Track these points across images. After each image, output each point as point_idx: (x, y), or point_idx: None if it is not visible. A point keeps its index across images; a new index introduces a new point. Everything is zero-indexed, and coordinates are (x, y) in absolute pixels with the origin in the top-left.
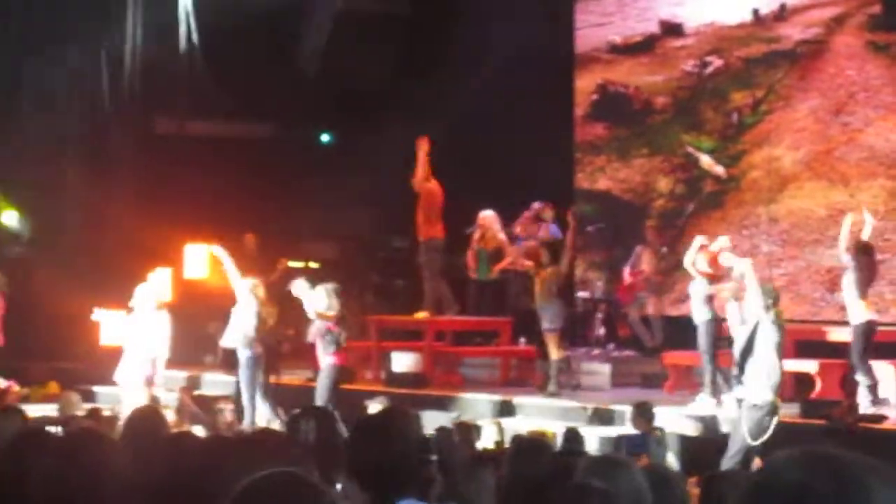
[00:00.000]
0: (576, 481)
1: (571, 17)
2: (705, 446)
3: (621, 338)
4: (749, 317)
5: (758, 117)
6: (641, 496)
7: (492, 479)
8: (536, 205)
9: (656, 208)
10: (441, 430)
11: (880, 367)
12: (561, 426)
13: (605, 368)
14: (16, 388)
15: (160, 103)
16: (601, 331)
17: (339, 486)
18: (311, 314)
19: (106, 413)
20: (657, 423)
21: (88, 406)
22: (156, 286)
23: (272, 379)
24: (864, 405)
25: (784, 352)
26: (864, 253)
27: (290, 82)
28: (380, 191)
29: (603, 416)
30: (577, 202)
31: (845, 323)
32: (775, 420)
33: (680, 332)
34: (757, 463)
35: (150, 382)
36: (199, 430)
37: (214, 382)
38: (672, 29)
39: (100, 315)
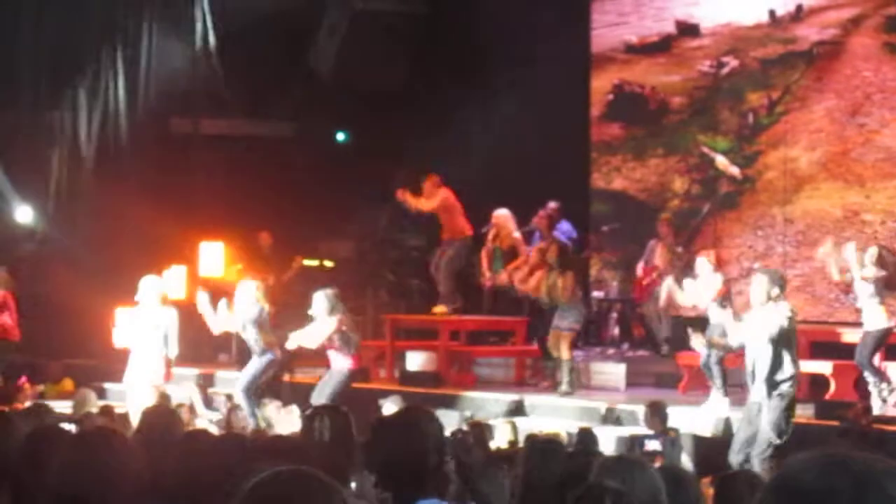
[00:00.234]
0: (590, 481)
1: (587, 16)
2: (719, 446)
3: (636, 338)
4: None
5: (774, 118)
6: (657, 496)
7: (506, 478)
8: (552, 204)
9: (671, 208)
10: (458, 431)
11: (894, 368)
12: (575, 426)
13: (620, 368)
14: (27, 385)
15: (175, 102)
16: (615, 330)
17: (353, 485)
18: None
19: (119, 410)
20: (671, 423)
21: (102, 403)
22: (160, 280)
23: (286, 377)
24: (878, 405)
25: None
26: (883, 260)
27: (305, 81)
28: (395, 190)
29: (617, 417)
30: (592, 202)
31: (860, 324)
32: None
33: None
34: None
35: (157, 380)
36: (213, 429)
37: (228, 380)
38: (688, 29)
39: (121, 314)
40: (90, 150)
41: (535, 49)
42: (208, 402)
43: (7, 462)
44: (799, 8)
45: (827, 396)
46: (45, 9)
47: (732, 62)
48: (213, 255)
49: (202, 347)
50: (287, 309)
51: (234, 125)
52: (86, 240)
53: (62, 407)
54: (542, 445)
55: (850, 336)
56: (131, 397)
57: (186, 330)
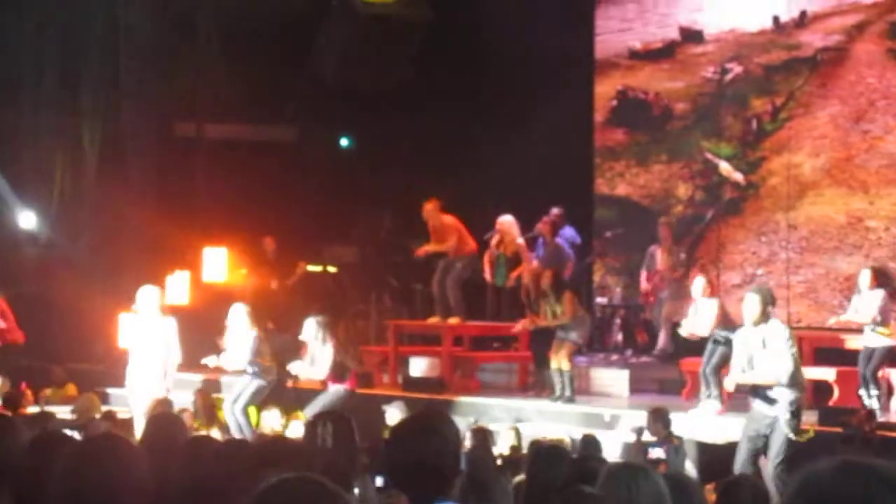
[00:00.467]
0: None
1: (592, 22)
2: (723, 453)
3: (639, 343)
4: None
5: (777, 124)
6: (661, 503)
7: (509, 483)
8: (555, 210)
9: (675, 214)
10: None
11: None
12: (578, 432)
13: (623, 374)
14: (28, 390)
15: (179, 106)
16: (619, 336)
17: (356, 491)
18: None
19: (122, 416)
20: (674, 429)
21: (105, 408)
22: (158, 290)
23: (289, 383)
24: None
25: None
26: (886, 276)
27: (309, 86)
28: (399, 195)
29: (620, 422)
30: (596, 208)
31: (862, 331)
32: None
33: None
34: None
35: (160, 390)
36: (216, 434)
37: (232, 386)
38: (692, 35)
39: (124, 319)
40: (93, 154)
41: (538, 54)
42: (210, 409)
43: (10, 467)
44: (803, 14)
45: (830, 403)
46: (48, 10)
47: (736, 68)
48: (217, 260)
49: (205, 353)
50: (290, 314)
51: (238, 130)
52: (89, 245)
53: (65, 412)
54: (546, 451)
55: (853, 342)
56: (135, 404)
57: (190, 336)
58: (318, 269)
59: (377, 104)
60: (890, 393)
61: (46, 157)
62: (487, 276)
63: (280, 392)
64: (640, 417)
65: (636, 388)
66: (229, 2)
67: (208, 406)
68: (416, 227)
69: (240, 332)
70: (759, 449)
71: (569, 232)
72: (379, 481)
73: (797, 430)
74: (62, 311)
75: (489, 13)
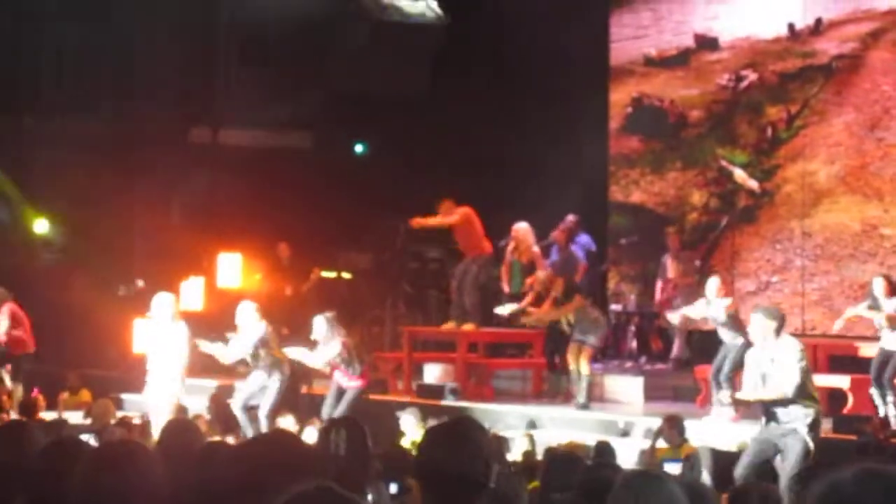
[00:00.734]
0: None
1: (607, 29)
2: (737, 460)
3: (654, 351)
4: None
5: (792, 132)
6: None
7: (524, 490)
8: (571, 217)
9: (690, 222)
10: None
11: None
12: (592, 439)
13: (637, 381)
14: (41, 396)
15: (195, 113)
16: (633, 344)
17: (370, 497)
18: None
19: (136, 421)
20: (689, 438)
21: (121, 414)
22: (173, 297)
23: (304, 389)
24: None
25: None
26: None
27: (324, 92)
28: (413, 201)
29: (634, 430)
30: (611, 215)
31: (878, 339)
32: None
33: (710, 346)
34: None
35: (177, 394)
36: (231, 440)
37: (244, 386)
38: (707, 43)
39: (139, 325)
40: (109, 160)
41: (554, 61)
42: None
43: (25, 473)
44: (818, 22)
45: (845, 410)
46: (64, 16)
47: (751, 76)
48: (232, 267)
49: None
50: (305, 320)
51: (254, 136)
52: (104, 251)
53: (80, 417)
54: (561, 458)
55: (867, 350)
56: (152, 410)
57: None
58: (333, 275)
59: (392, 110)
60: None
61: (62, 163)
62: (505, 287)
63: (294, 398)
64: (655, 425)
65: (651, 395)
66: (245, 8)
67: (223, 412)
68: (431, 233)
69: (247, 329)
70: (767, 455)
71: (584, 239)
72: (393, 488)
73: (816, 440)
74: (76, 316)
75: (505, 21)
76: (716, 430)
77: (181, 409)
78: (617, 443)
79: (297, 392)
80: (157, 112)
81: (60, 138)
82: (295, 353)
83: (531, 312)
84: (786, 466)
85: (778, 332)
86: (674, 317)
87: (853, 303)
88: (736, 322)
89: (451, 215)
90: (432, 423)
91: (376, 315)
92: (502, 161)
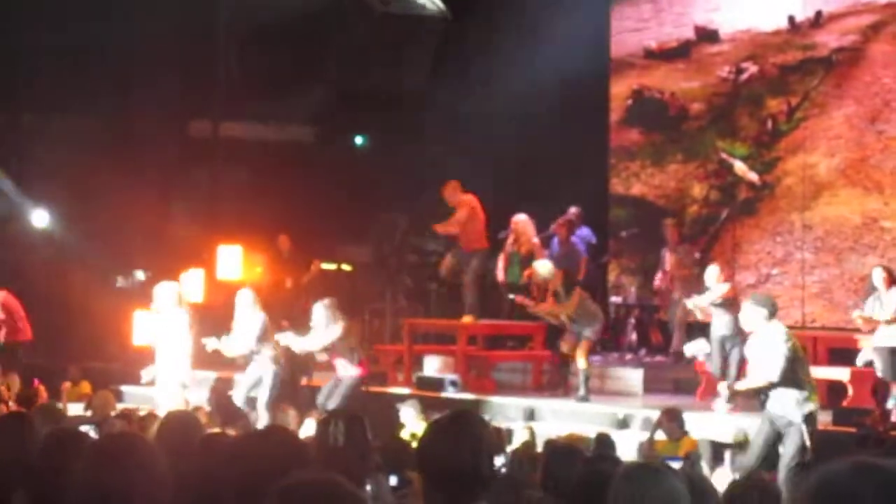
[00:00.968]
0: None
1: (607, 22)
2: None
3: (654, 343)
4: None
5: (793, 124)
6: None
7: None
8: (572, 210)
9: (690, 214)
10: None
11: None
12: (593, 431)
13: (637, 374)
14: (42, 387)
15: (195, 106)
16: (633, 336)
17: (369, 489)
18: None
19: (138, 413)
20: (689, 430)
21: (121, 406)
22: (175, 285)
23: (304, 381)
24: None
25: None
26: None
27: (325, 86)
28: (414, 194)
29: (634, 422)
30: (611, 207)
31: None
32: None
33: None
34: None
35: (182, 384)
36: (231, 432)
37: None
38: (708, 35)
39: (139, 317)
40: (108, 153)
41: (554, 54)
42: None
43: (26, 464)
44: (818, 14)
45: (844, 403)
46: (64, 10)
47: (752, 68)
48: (232, 259)
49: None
50: (305, 313)
51: (254, 129)
52: (103, 243)
53: (80, 409)
54: (560, 450)
55: (867, 343)
56: (161, 401)
57: (204, 333)
58: (333, 267)
59: (393, 104)
60: None
61: (61, 157)
62: (500, 275)
63: (294, 391)
64: (655, 417)
65: (651, 387)
66: (246, 1)
67: (223, 403)
68: (430, 226)
69: (246, 317)
70: (775, 446)
71: (585, 232)
72: (393, 480)
73: (813, 434)
74: (76, 309)
75: (506, 13)
76: (716, 422)
77: (186, 402)
78: (617, 435)
79: (297, 384)
80: (157, 106)
81: (60, 133)
82: (286, 339)
83: (530, 305)
84: (783, 458)
85: (769, 318)
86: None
87: (853, 296)
88: (733, 309)
89: (461, 207)
90: (432, 415)
91: (376, 308)
92: (502, 154)
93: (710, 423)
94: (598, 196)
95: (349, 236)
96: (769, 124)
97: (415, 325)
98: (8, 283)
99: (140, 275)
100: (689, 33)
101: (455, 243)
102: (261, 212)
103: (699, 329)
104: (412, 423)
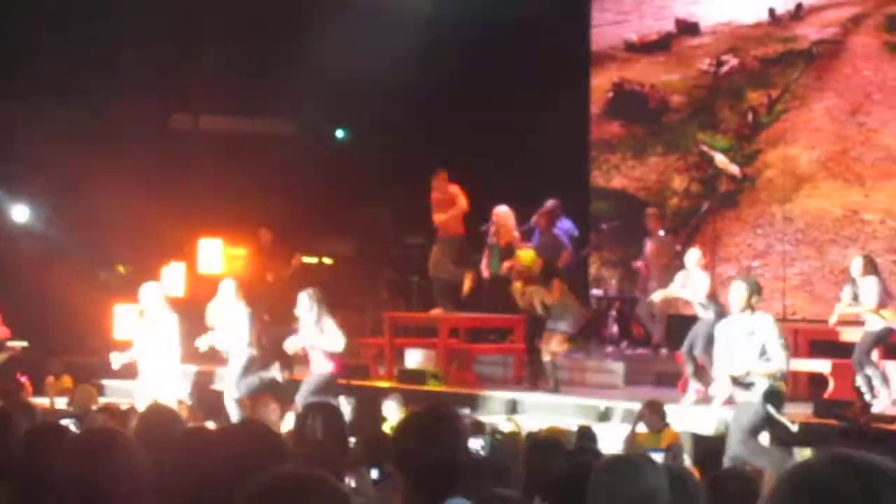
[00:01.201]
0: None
1: (588, 14)
2: (716, 444)
3: (635, 336)
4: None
5: (773, 117)
6: (659, 495)
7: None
8: (550, 202)
9: (671, 207)
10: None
11: (891, 367)
12: (574, 424)
13: (619, 366)
14: (28, 382)
15: (176, 98)
16: (615, 329)
17: (352, 483)
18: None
19: (119, 407)
20: (671, 423)
21: (103, 401)
22: (160, 285)
23: (285, 374)
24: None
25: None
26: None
27: (305, 79)
28: (395, 187)
29: (616, 415)
30: (592, 200)
31: (859, 323)
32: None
33: (687, 330)
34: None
35: (165, 381)
36: (212, 426)
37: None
38: (688, 28)
39: (119, 311)
40: (88, 146)
41: (535, 47)
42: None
43: (8, 459)
44: (799, 7)
45: (826, 395)
46: (46, 4)
47: (732, 61)
48: (213, 252)
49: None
50: (286, 306)
51: (234, 122)
52: (84, 237)
53: (64, 404)
54: (542, 443)
55: (849, 335)
56: (141, 400)
57: (184, 327)
58: (314, 261)
59: (373, 96)
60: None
61: (41, 151)
62: (485, 272)
63: (276, 385)
64: (637, 410)
65: (632, 380)
66: None
67: (205, 397)
68: (412, 219)
69: (230, 308)
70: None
71: (566, 224)
72: (375, 473)
73: (778, 407)
74: (58, 303)
75: (487, 5)
76: (697, 414)
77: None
78: (599, 428)
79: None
80: (138, 99)
81: (40, 126)
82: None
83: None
84: (735, 429)
85: (754, 304)
86: (657, 295)
87: (834, 287)
88: (711, 296)
89: (446, 191)
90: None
91: (358, 301)
92: (483, 146)
93: (692, 415)
94: (579, 189)
95: (330, 230)
96: (750, 117)
97: (396, 319)
98: None
99: (121, 269)
100: (670, 26)
101: (438, 238)
102: (242, 205)
103: (681, 320)
104: (394, 417)
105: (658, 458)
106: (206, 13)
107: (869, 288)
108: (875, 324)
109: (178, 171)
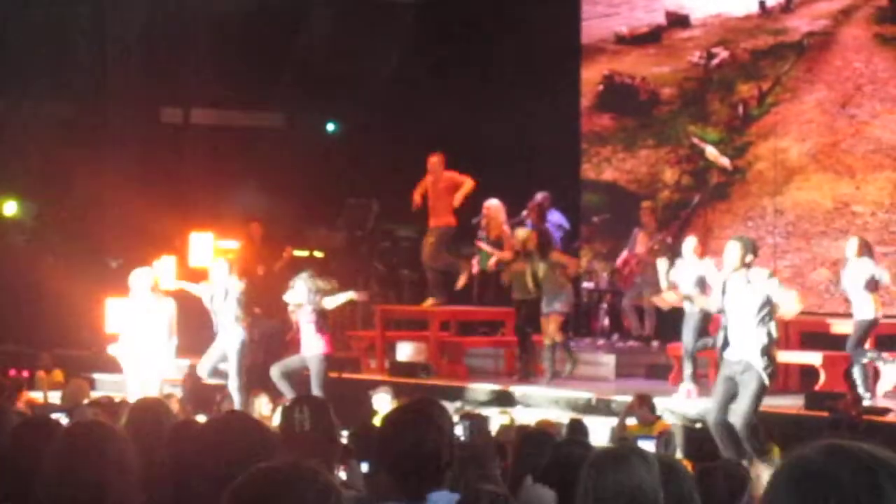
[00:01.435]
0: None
1: (578, 7)
2: (707, 436)
3: (626, 329)
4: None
5: (764, 109)
6: (650, 488)
7: (497, 469)
8: (540, 194)
9: (662, 199)
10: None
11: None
12: (565, 417)
13: (610, 359)
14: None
15: (166, 92)
16: (605, 321)
17: (343, 476)
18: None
19: (110, 401)
20: (662, 415)
21: (94, 394)
22: (150, 270)
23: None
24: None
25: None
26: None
27: (295, 71)
28: (386, 180)
29: (607, 407)
30: (583, 193)
31: (850, 315)
32: None
33: (677, 323)
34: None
35: (158, 372)
36: (203, 419)
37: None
38: (678, 20)
39: (111, 304)
40: (79, 140)
41: (525, 40)
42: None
43: None
44: None
45: (817, 387)
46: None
47: (723, 53)
48: (203, 246)
49: (191, 337)
50: (276, 300)
51: (225, 115)
52: (75, 230)
53: (56, 398)
54: (532, 436)
55: (840, 327)
56: (132, 390)
57: (176, 320)
58: (305, 254)
59: (364, 89)
60: (876, 378)
61: (31, 145)
62: (475, 264)
63: (266, 376)
64: (627, 402)
65: (623, 372)
66: None
67: (196, 391)
68: (403, 212)
69: (224, 286)
70: (734, 392)
71: (557, 217)
72: (365, 467)
73: (772, 374)
74: (48, 297)
75: None
76: (685, 406)
77: (160, 389)
78: (589, 420)
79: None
80: (128, 92)
81: (30, 120)
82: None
83: (503, 258)
84: (739, 404)
85: (750, 262)
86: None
87: (825, 280)
88: (701, 290)
89: (442, 173)
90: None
91: None
92: (473, 140)
93: (683, 407)
94: (570, 181)
95: (321, 222)
96: (740, 109)
97: (387, 312)
98: None
99: (112, 262)
100: (660, 18)
101: (431, 227)
102: (232, 198)
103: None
104: (385, 410)
105: (650, 445)
106: (196, 6)
107: (862, 268)
108: (867, 311)
109: (169, 165)
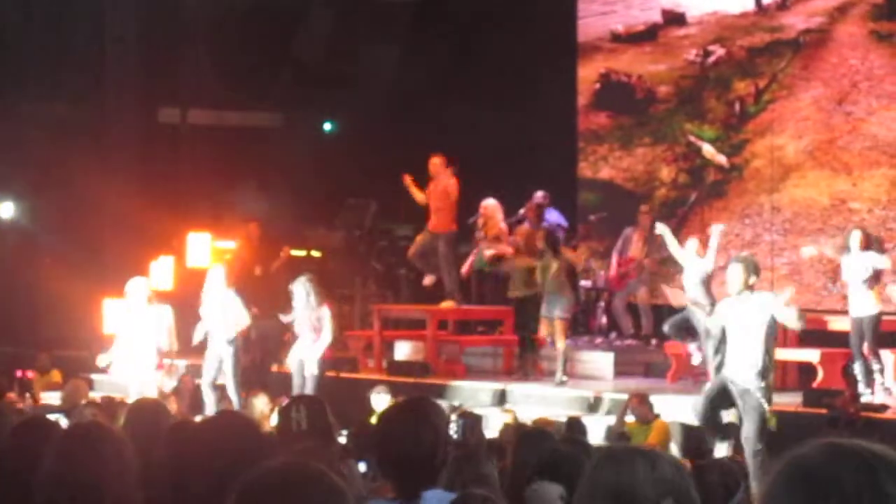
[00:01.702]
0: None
1: (574, 5)
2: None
3: (621, 330)
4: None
5: (760, 106)
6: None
7: (494, 468)
8: (539, 194)
9: (658, 197)
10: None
11: (883, 355)
12: (563, 415)
13: (608, 357)
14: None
15: (163, 92)
16: (603, 320)
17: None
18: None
19: (108, 401)
20: (660, 413)
21: (92, 395)
22: (147, 281)
23: (275, 367)
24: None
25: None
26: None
27: (293, 71)
28: (383, 180)
29: (605, 406)
30: (580, 191)
31: (847, 312)
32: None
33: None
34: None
35: (155, 375)
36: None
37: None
38: (675, 18)
39: (108, 305)
40: (76, 140)
41: (522, 38)
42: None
43: None
44: None
45: (814, 384)
46: None
47: (719, 51)
48: (201, 246)
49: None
50: (274, 300)
51: (222, 115)
52: (72, 231)
53: (50, 398)
54: (531, 434)
55: (837, 324)
56: (132, 389)
57: (173, 321)
58: (303, 254)
59: (361, 89)
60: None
61: (29, 145)
62: (465, 267)
63: (264, 376)
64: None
65: (621, 370)
66: None
67: (193, 392)
68: (401, 211)
69: (221, 293)
70: (718, 402)
71: (554, 215)
72: (362, 466)
73: (769, 399)
74: (46, 298)
75: None
76: (686, 405)
77: (158, 391)
78: (587, 419)
79: (268, 370)
80: (125, 92)
81: (27, 120)
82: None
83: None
84: (747, 437)
85: (753, 284)
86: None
87: (822, 277)
88: (706, 289)
89: (440, 185)
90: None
91: (346, 294)
92: (471, 138)
93: (681, 405)
94: (567, 180)
95: (319, 222)
96: (737, 107)
97: (385, 311)
98: None
99: (109, 263)
100: (657, 16)
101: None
102: (230, 198)
103: (669, 311)
104: (383, 409)
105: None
106: (194, 6)
107: (865, 261)
108: (869, 307)
109: (167, 165)
